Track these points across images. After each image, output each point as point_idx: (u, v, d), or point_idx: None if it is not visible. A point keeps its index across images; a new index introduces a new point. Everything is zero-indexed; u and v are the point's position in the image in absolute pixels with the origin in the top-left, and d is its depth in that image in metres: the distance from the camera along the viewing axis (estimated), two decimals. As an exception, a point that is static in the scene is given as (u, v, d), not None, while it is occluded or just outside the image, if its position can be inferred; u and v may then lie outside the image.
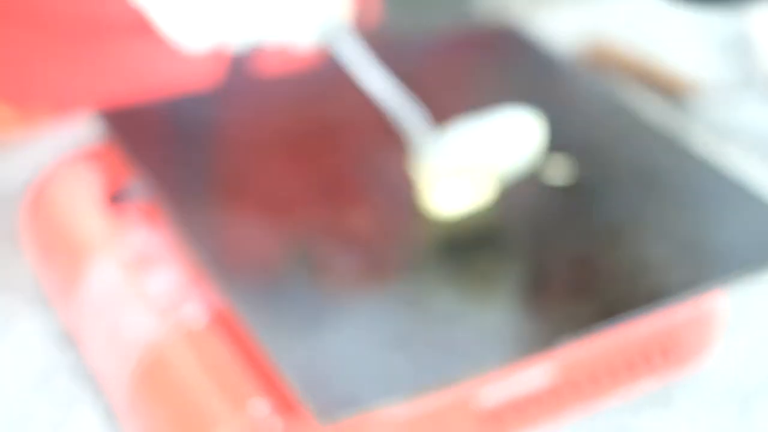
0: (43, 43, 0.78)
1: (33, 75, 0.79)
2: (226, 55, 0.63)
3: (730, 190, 0.61)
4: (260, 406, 0.49)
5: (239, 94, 0.67)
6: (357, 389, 0.48)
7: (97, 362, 0.57)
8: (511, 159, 0.58)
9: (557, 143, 0.61)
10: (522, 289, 0.54)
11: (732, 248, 0.57)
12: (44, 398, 0.58)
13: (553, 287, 0.54)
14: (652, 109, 0.83)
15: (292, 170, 0.62)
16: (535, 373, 0.54)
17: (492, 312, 0.53)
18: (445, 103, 0.63)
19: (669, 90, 0.86)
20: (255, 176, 0.61)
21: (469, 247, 0.57)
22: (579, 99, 0.69)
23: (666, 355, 0.59)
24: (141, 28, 0.68)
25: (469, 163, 0.57)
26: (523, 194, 0.60)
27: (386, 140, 0.64)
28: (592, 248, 0.56)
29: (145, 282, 0.56)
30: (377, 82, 0.59)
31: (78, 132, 0.76)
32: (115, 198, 0.61)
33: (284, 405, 0.49)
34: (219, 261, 0.54)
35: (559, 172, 0.61)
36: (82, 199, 0.62)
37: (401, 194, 0.60)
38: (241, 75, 0.65)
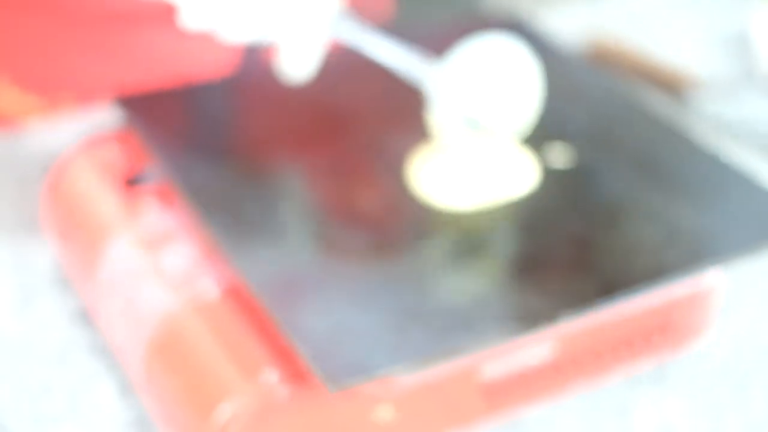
0: (65, 33, 0.80)
1: (56, 64, 0.81)
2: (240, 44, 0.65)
3: (728, 175, 0.63)
4: (270, 375, 0.51)
5: (253, 82, 0.69)
6: (365, 358, 0.50)
7: (115, 336, 0.59)
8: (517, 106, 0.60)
9: (559, 129, 0.63)
10: (523, 266, 0.56)
11: (728, 230, 0.59)
12: (62, 373, 0.60)
13: (553, 265, 0.56)
14: (653, 102, 0.85)
15: (305, 154, 0.64)
16: (535, 349, 0.56)
17: (495, 288, 0.55)
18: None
19: (669, 85, 0.88)
20: (267, 159, 0.63)
21: (472, 227, 0.59)
22: (580, 88, 0.71)
23: (664, 333, 0.61)
24: (160, 16, 0.70)
25: (479, 116, 0.59)
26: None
27: (397, 125, 0.66)
28: (591, 229, 0.59)
29: (160, 259, 0.58)
30: (385, 51, 0.60)
31: (98, 117, 0.78)
32: (132, 180, 0.63)
33: (294, 374, 0.51)
34: (231, 237, 0.56)
35: (560, 157, 0.63)
36: (101, 181, 0.64)
37: (408, 177, 0.62)
38: (255, 63, 0.67)
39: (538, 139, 0.65)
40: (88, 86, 0.74)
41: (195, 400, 0.53)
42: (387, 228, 0.58)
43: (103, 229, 0.61)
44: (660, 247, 0.57)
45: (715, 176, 0.63)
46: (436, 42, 0.72)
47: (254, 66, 0.68)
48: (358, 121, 0.67)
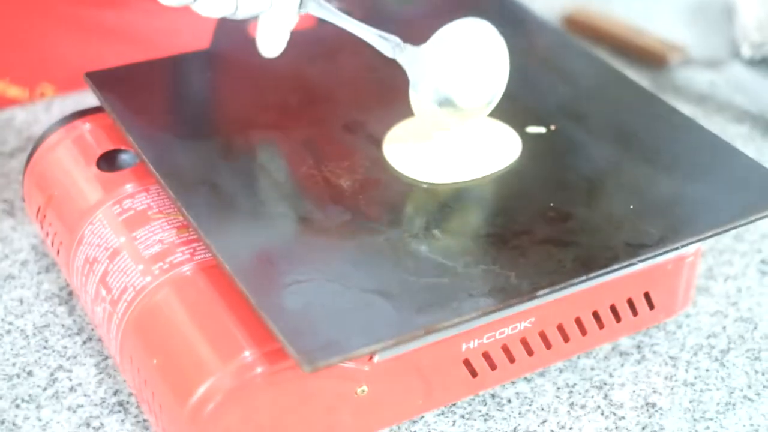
0: (40, 17, 0.79)
1: (33, 51, 0.80)
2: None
3: (708, 146, 0.63)
4: (248, 354, 0.51)
5: (228, 56, 0.68)
6: (341, 337, 0.50)
7: (94, 316, 0.59)
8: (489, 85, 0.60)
9: (537, 101, 0.62)
10: (501, 241, 0.56)
11: (709, 202, 0.58)
12: (41, 353, 0.60)
13: (531, 240, 0.56)
14: (633, 73, 0.84)
15: (281, 130, 0.63)
16: (514, 323, 0.56)
17: (472, 264, 0.54)
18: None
19: (651, 56, 0.88)
20: (243, 135, 0.62)
21: (449, 203, 0.58)
22: (559, 58, 0.70)
23: (643, 305, 0.60)
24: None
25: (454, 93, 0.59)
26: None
27: (375, 101, 0.65)
28: (569, 202, 0.58)
29: (136, 237, 0.57)
30: (358, 30, 0.61)
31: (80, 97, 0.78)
32: (107, 160, 0.63)
33: (272, 352, 0.51)
34: (206, 215, 0.56)
35: (538, 127, 0.63)
36: (78, 161, 0.63)
37: (385, 153, 0.62)
38: (230, 36, 0.67)
39: (517, 111, 0.64)
40: (69, 70, 0.74)
41: (172, 380, 0.53)
42: (363, 204, 0.58)
43: (79, 208, 0.61)
44: (640, 219, 0.57)
45: (697, 147, 0.63)
46: (413, 16, 0.71)
47: (229, 39, 0.67)
48: (336, 97, 0.67)
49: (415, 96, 0.60)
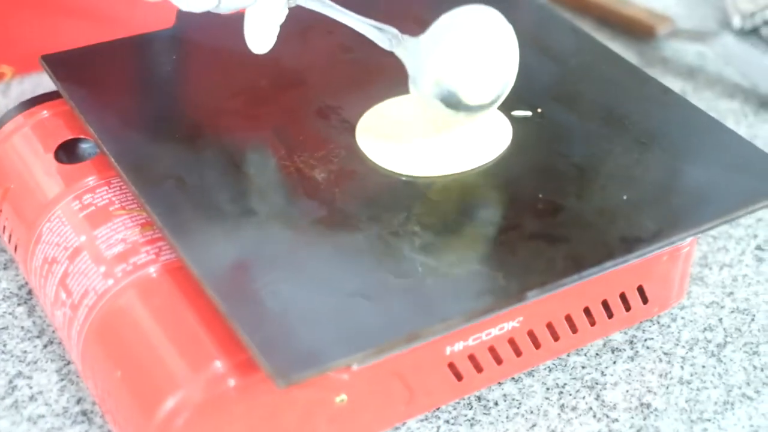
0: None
1: (22, 33, 0.76)
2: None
3: (705, 129, 0.59)
4: (218, 365, 0.48)
5: (195, 37, 0.64)
6: (317, 348, 0.46)
7: (54, 320, 0.55)
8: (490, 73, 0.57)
9: (522, 79, 0.58)
10: (487, 239, 0.52)
11: (708, 191, 0.55)
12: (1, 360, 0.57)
13: (520, 235, 0.52)
14: (621, 49, 0.81)
15: (251, 119, 0.59)
16: (502, 323, 0.53)
17: (457, 264, 0.51)
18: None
19: (637, 28, 0.84)
20: (210, 122, 0.59)
21: (434, 197, 0.55)
22: (544, 34, 0.67)
23: (636, 299, 0.57)
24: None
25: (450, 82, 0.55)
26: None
27: (351, 89, 0.61)
28: (559, 192, 0.55)
29: (97, 236, 0.54)
30: (350, 18, 0.57)
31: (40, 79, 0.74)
32: (67, 150, 0.59)
33: (243, 363, 0.48)
34: (172, 213, 0.52)
35: (524, 111, 0.60)
36: (35, 151, 0.59)
37: (364, 145, 0.58)
38: (195, 14, 0.63)
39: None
40: (28, 50, 0.70)
41: (137, 392, 0.49)
42: (339, 199, 0.54)
43: (37, 203, 0.57)
44: (634, 211, 0.53)
45: (691, 130, 0.59)
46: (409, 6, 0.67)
47: (195, 17, 0.63)
48: (308, 80, 0.63)
49: (415, 92, 0.56)
